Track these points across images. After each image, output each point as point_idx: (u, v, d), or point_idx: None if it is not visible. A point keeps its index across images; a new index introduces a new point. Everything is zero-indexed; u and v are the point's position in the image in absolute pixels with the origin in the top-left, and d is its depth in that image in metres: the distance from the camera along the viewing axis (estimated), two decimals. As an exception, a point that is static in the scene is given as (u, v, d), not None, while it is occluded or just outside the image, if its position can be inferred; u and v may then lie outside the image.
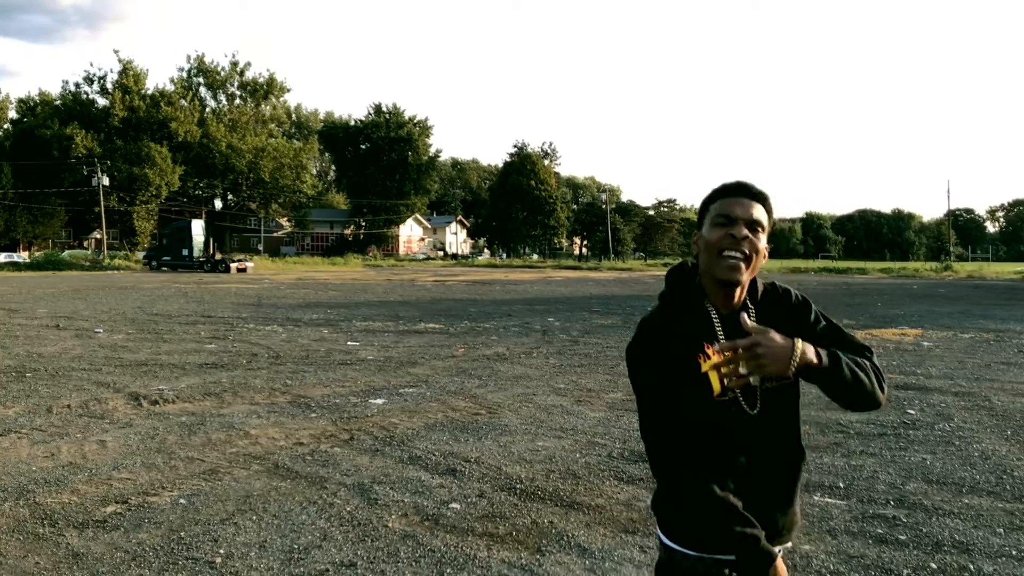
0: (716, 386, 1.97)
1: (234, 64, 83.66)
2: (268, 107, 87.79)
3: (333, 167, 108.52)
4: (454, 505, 5.40)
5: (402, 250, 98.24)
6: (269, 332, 16.07)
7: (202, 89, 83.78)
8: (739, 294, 2.05)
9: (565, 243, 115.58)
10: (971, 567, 4.42)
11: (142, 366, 11.30)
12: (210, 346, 13.70)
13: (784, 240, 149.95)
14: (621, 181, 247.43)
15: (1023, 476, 6.17)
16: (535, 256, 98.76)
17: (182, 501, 5.41)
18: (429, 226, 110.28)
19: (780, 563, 1.96)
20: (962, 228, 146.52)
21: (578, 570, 4.34)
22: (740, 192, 2.03)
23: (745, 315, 1.95)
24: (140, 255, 63.51)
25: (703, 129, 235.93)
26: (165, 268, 56.72)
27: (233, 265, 54.57)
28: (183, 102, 78.81)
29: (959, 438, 7.43)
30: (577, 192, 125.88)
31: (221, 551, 4.54)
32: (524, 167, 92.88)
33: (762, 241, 2.02)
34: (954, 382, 10.54)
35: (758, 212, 2.02)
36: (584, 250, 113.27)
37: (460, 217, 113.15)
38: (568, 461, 6.54)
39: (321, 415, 8.17)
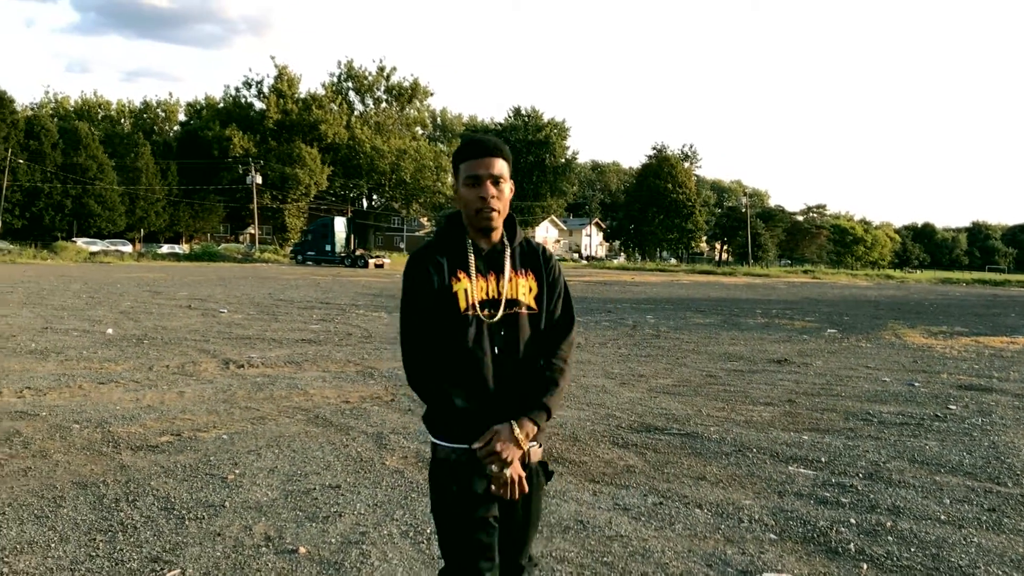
0: (462, 303, 2.43)
1: (380, 69, 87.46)
2: (412, 110, 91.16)
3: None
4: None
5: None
6: (374, 317, 17.26)
7: (350, 93, 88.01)
8: (496, 235, 2.54)
9: (705, 247, 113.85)
10: (887, 524, 4.76)
11: (246, 339, 12.61)
12: (314, 326, 14.97)
13: (946, 251, 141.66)
14: (769, 186, 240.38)
15: (1013, 464, 6.30)
16: (671, 260, 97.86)
17: (224, 437, 6.39)
18: (565, 228, 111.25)
19: (530, 452, 2.43)
20: None
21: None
22: (480, 152, 2.45)
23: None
24: (288, 250, 67.46)
25: (859, 134, 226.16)
26: (309, 262, 60.06)
27: (371, 261, 57.22)
28: (332, 106, 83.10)
29: (980, 431, 7.52)
30: (722, 196, 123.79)
31: (236, 471, 5.45)
32: (662, 169, 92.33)
33: (506, 187, 2.47)
34: None
35: (498, 166, 2.44)
36: (725, 255, 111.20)
37: (596, 220, 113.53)
38: (576, 428, 7.14)
39: (379, 382, 9.08)
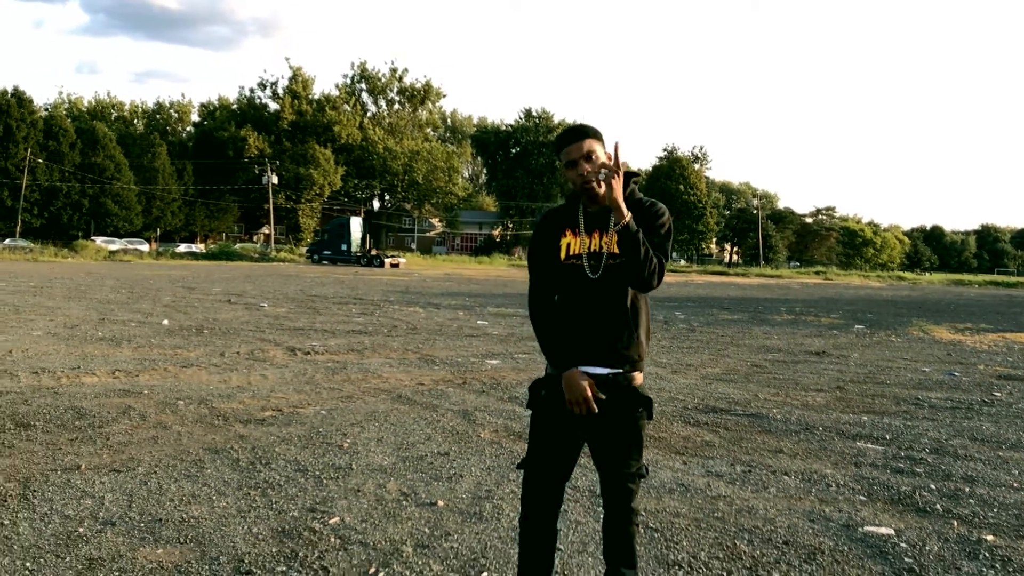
0: (563, 254, 2.89)
1: (393, 70, 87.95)
2: (424, 112, 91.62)
3: (484, 170, 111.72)
4: (538, 428, 6.50)
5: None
6: (411, 312, 17.66)
7: (363, 94, 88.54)
8: (603, 199, 2.83)
9: (715, 249, 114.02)
10: (966, 490, 5.12)
11: (299, 330, 13.01)
12: (358, 319, 15.37)
13: (955, 253, 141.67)
14: (779, 188, 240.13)
15: (1069, 441, 6.65)
16: (682, 261, 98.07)
17: (322, 412, 6.78)
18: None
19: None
20: None
21: (624, 469, 5.34)
22: (571, 138, 2.86)
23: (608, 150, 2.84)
24: (303, 249, 67.95)
25: (868, 136, 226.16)
26: (325, 262, 60.51)
27: (387, 260, 57.63)
28: (346, 107, 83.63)
29: (1029, 414, 7.86)
30: (731, 198, 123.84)
31: (348, 440, 5.84)
32: (673, 171, 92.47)
33: (599, 157, 2.84)
34: (1059, 375, 10.70)
35: (588, 145, 2.84)
36: (735, 257, 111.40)
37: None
38: (646, 407, 7.50)
39: (443, 368, 9.47)
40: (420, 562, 3.65)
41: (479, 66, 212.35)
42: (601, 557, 3.36)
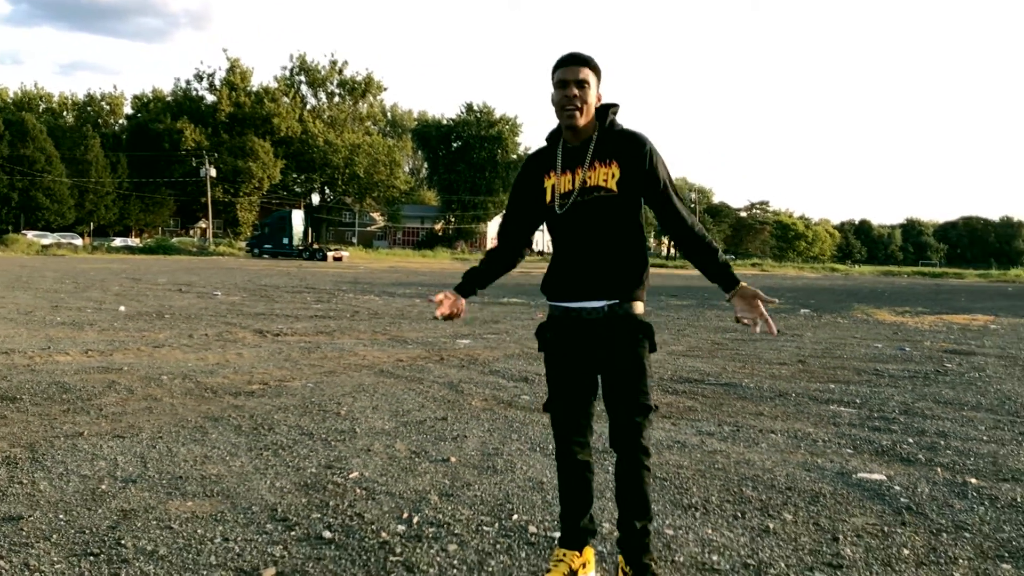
0: (548, 196, 2.90)
1: (333, 63, 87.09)
2: (365, 105, 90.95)
3: (425, 164, 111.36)
4: (524, 397, 6.64)
5: (489, 245, 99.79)
6: (367, 299, 17.62)
7: (303, 87, 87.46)
8: (582, 133, 2.83)
9: (654, 243, 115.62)
10: (941, 443, 5.41)
11: (260, 315, 12.91)
12: (316, 306, 15.30)
13: (882, 246, 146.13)
14: (714, 183, 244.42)
15: (1024, 402, 7.04)
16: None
17: (310, 385, 6.81)
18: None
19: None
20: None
21: (619, 430, 5.51)
22: (569, 61, 2.80)
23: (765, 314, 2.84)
24: (242, 243, 66.85)
25: (802, 130, 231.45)
26: (266, 255, 59.66)
27: (330, 254, 57.11)
28: (285, 99, 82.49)
29: (982, 381, 8.28)
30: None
31: (344, 409, 5.89)
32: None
33: (591, 92, 2.78)
34: (1003, 350, 11.24)
35: (583, 73, 2.77)
36: (672, 250, 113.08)
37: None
38: (624, 379, 7.69)
39: (416, 347, 9.54)
40: (450, 508, 3.75)
41: (420, 60, 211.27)
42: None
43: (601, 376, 2.89)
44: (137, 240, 69.82)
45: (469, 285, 3.08)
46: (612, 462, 3.07)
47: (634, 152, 2.79)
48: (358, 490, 3.97)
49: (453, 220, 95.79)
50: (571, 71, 2.78)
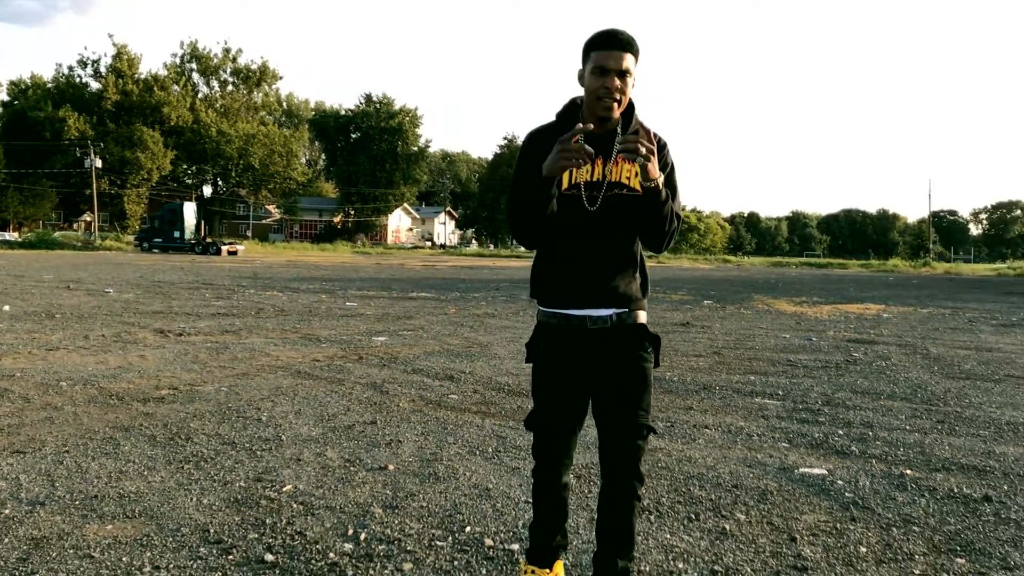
0: (565, 183, 2.56)
1: (226, 51, 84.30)
2: (260, 95, 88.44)
3: (323, 156, 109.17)
4: (453, 396, 6.44)
5: (390, 239, 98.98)
6: (270, 296, 17.02)
7: (195, 75, 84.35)
8: (610, 124, 2.58)
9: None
10: (870, 434, 5.50)
11: (159, 314, 12.27)
12: (217, 303, 14.66)
13: (769, 238, 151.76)
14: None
15: (935, 391, 7.27)
16: (520, 248, 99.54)
17: (224, 389, 6.43)
18: (418, 216, 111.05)
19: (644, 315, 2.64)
20: (945, 230, 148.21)
21: (555, 429, 5.38)
22: (612, 44, 2.47)
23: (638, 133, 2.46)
24: (130, 237, 64.04)
25: (690, 125, 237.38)
26: (156, 250, 57.27)
27: (224, 248, 55.22)
28: (175, 87, 79.40)
29: (891, 370, 8.53)
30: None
31: (264, 414, 5.57)
32: (514, 159, 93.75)
33: (630, 82, 2.51)
34: (900, 338, 11.67)
35: (627, 61, 2.47)
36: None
37: (449, 208, 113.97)
38: (549, 375, 7.58)
39: (331, 345, 9.20)
40: (396, 521, 3.53)
41: (317, 49, 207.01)
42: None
43: (598, 392, 2.64)
44: (16, 234, 65.98)
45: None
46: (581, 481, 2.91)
47: (657, 152, 2.54)
48: (295, 505, 3.71)
49: (352, 213, 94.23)
50: (614, 58, 2.47)
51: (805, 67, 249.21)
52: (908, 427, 5.74)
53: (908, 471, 4.57)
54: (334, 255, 60.61)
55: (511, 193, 2.63)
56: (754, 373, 8.14)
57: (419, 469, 4.34)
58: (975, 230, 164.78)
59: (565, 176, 2.56)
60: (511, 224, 2.61)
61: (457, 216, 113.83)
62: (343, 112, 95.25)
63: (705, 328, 12.68)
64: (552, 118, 2.70)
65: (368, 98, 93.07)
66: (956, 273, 56.98)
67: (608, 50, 2.47)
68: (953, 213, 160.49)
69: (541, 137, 2.61)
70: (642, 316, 2.68)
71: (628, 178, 2.58)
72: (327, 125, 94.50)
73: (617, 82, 2.48)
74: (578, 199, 2.58)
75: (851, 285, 31.72)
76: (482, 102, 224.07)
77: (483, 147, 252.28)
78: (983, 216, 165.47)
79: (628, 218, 2.60)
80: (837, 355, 9.65)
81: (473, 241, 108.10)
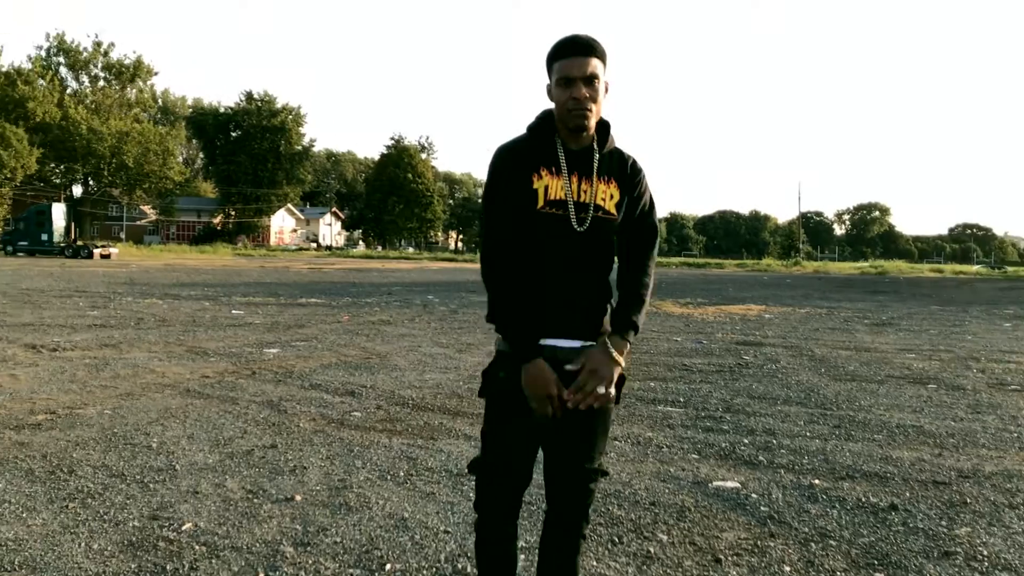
0: (540, 200, 2.37)
1: (97, 44, 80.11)
2: (134, 91, 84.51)
3: (201, 154, 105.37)
4: (356, 413, 6.22)
5: (273, 240, 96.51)
6: (150, 304, 16.22)
7: (62, 69, 79.91)
8: (587, 137, 2.43)
9: (441, 237, 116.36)
10: (774, 442, 5.59)
11: (28, 326, 11.47)
12: (92, 313, 13.85)
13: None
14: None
15: (826, 394, 7.50)
16: (410, 249, 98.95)
17: (107, 412, 6.01)
18: (302, 217, 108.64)
19: (605, 353, 2.36)
20: (812, 230, 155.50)
21: (464, 446, 5.26)
22: (574, 51, 2.33)
23: (571, 367, 2.35)
24: (-9, 240, 60.15)
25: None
26: (21, 253, 54.01)
27: (96, 251, 52.50)
28: (41, 82, 74.97)
29: (782, 373, 8.77)
30: (454, 187, 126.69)
31: (154, 440, 5.21)
32: (401, 160, 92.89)
33: (600, 87, 2.36)
34: (785, 340, 12.07)
35: (592, 66, 2.32)
36: (460, 244, 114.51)
37: (334, 209, 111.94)
38: (453, 387, 7.45)
39: (220, 359, 8.78)
40: (311, 561, 3.32)
41: (193, 44, 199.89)
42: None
43: (553, 429, 2.41)
44: None
45: (533, 335, 2.39)
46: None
47: (632, 177, 2.48)
48: (196, 547, 3.44)
49: (233, 214, 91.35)
50: (577, 65, 2.32)
51: (678, 72, 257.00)
52: (808, 433, 5.88)
53: (816, 481, 4.65)
54: (215, 258, 58.57)
55: (486, 227, 2.44)
56: (653, 379, 8.21)
57: (328, 499, 4.12)
58: (839, 230, 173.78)
59: (540, 193, 2.38)
60: (483, 262, 2.43)
61: (343, 217, 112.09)
62: (223, 110, 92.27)
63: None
64: (523, 131, 2.51)
65: (249, 95, 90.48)
66: (825, 272, 59.83)
67: (570, 58, 2.33)
68: (819, 214, 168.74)
69: (510, 155, 2.44)
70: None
71: (604, 200, 2.42)
72: (205, 123, 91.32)
73: (584, 90, 2.33)
74: (561, 219, 2.38)
75: (730, 285, 32.82)
76: (368, 101, 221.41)
77: (369, 147, 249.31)
78: (846, 217, 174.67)
79: (603, 242, 2.44)
80: (729, 358, 9.87)
81: (360, 242, 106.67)
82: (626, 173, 2.48)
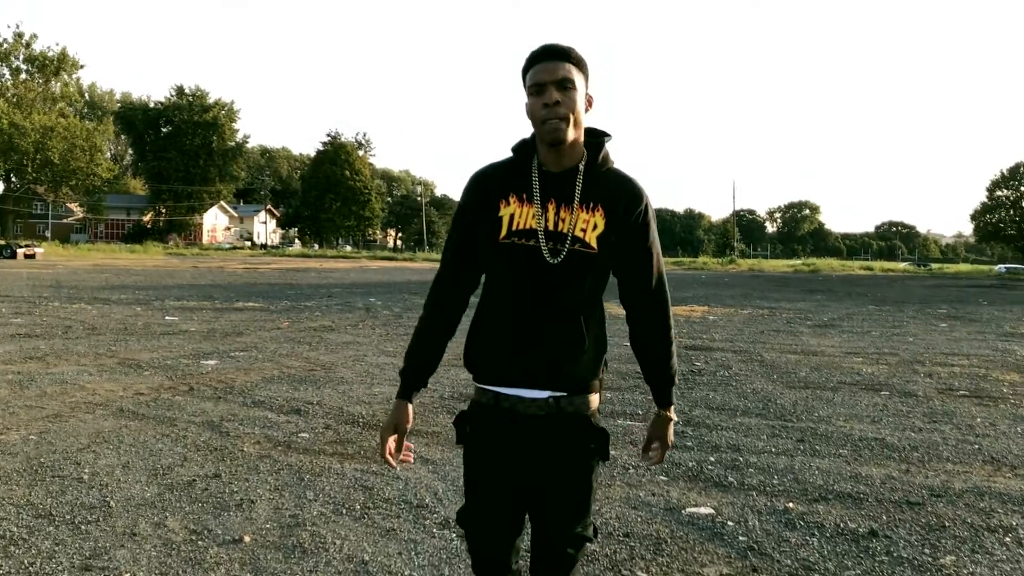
0: (503, 230, 2.13)
1: (19, 36, 77.20)
2: (59, 84, 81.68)
3: (130, 151, 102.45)
4: (303, 435, 5.88)
5: (206, 239, 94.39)
6: (77, 309, 15.51)
7: (-20, 61, 76.84)
8: (567, 157, 2.15)
9: (379, 235, 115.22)
10: (740, 459, 5.44)
11: (-55, 337, 10.79)
12: (16, 320, 13.15)
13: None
14: (436, 176, 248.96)
15: (783, 404, 7.41)
16: (348, 247, 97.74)
17: (32, 438, 5.56)
18: (236, 215, 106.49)
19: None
20: (746, 227, 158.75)
21: (423, 472, 4.97)
22: (545, 56, 2.12)
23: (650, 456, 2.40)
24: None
25: (513, 127, 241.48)
26: (-64, 253, 51.74)
27: (20, 251, 50.61)
28: (-43, 73, 72.02)
29: (736, 380, 8.68)
30: (392, 185, 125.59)
31: (86, 471, 4.81)
32: (338, 156, 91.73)
33: (578, 96, 2.10)
34: (733, 344, 12.03)
35: (565, 71, 2.09)
36: (399, 242, 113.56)
37: (269, 206, 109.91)
38: (403, 402, 7.13)
39: (155, 373, 8.32)
40: (265, 617, 3.02)
41: (121, 37, 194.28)
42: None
43: (532, 490, 2.21)
44: None
45: (418, 380, 2.28)
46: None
47: (627, 204, 2.16)
48: (136, 603, 3.11)
49: (164, 211, 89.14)
50: (548, 69, 2.09)
51: (615, 71, 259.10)
52: (773, 449, 5.75)
53: (791, 504, 4.49)
54: (145, 257, 56.96)
55: (446, 254, 2.26)
56: (609, 389, 8.03)
57: (280, 539, 3.80)
58: (771, 228, 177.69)
59: (504, 222, 2.14)
60: (427, 303, 2.28)
61: (278, 215, 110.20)
62: (152, 105, 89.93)
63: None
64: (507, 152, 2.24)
65: (180, 90, 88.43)
66: (760, 270, 60.93)
67: (540, 63, 2.11)
68: (752, 212, 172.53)
69: (478, 181, 2.22)
70: (592, 401, 2.20)
71: (584, 230, 2.12)
72: (135, 118, 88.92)
73: (556, 95, 2.06)
74: (529, 250, 2.11)
75: (670, 284, 33.01)
76: (303, 97, 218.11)
77: (305, 143, 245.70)
78: (777, 215, 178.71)
79: (578, 279, 2.13)
80: (681, 365, 9.75)
81: (296, 241, 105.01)
82: (619, 200, 2.16)
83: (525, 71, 2.15)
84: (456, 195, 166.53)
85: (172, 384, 7.69)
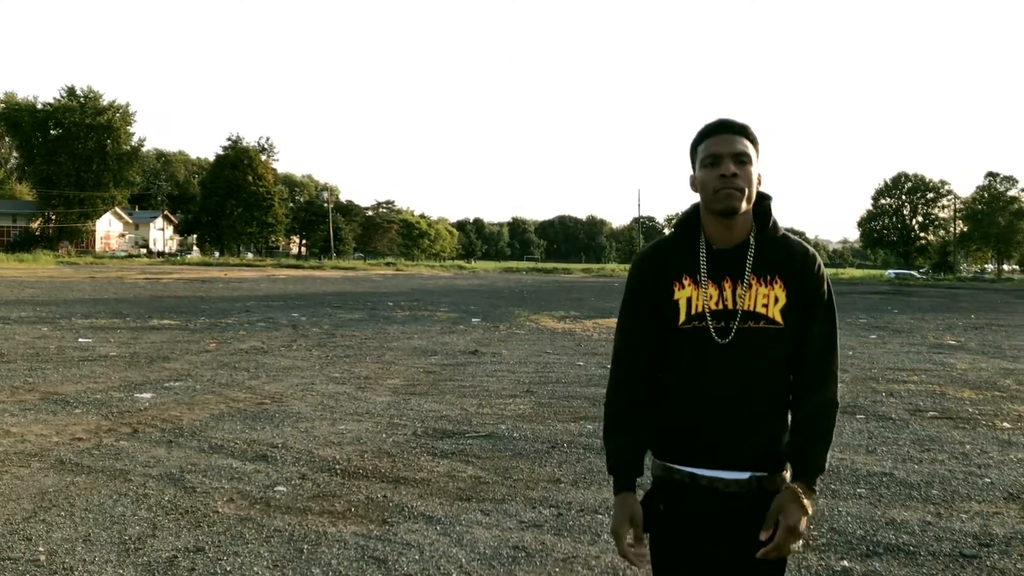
0: (682, 315, 2.09)
1: None
2: (-66, 81, 76.70)
3: (15, 154, 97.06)
4: (279, 488, 5.26)
5: (99, 246, 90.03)
6: (-26, 331, 14.20)
7: None
8: (737, 232, 2.12)
9: (283, 242, 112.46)
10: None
11: None
12: (-93, 346, 11.88)
13: (494, 242, 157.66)
14: (339, 180, 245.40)
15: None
16: (250, 255, 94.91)
17: (-36, 504, 4.78)
18: (131, 221, 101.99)
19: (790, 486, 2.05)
20: (646, 234, 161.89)
21: (432, 535, 4.45)
22: (722, 129, 2.12)
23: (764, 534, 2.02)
24: None
25: (420, 132, 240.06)
26: None
27: None
28: None
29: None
30: (294, 190, 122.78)
31: (40, 548, 4.10)
32: (240, 161, 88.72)
33: (752, 171, 2.10)
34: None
35: (742, 144, 2.09)
36: (303, 249, 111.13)
37: (166, 212, 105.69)
38: (376, 441, 6.57)
39: (86, 411, 7.49)
40: None
41: (5, 34, 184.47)
42: None
43: (722, 571, 2.08)
44: None
45: (637, 470, 2.13)
46: None
47: (805, 271, 2.12)
48: None
49: (55, 218, 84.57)
50: (725, 142, 2.07)
51: (521, 79, 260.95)
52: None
53: (846, 562, 4.16)
54: (36, 267, 53.76)
55: (615, 338, 2.20)
56: (582, 419, 7.65)
57: (304, 637, 3.23)
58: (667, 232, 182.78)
59: (683, 306, 2.10)
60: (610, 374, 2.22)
61: (176, 221, 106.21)
62: (40, 105, 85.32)
63: (496, 356, 12.16)
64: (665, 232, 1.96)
65: (71, 91, 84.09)
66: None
67: (718, 135, 2.11)
68: (652, 219, 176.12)
69: (648, 264, 2.19)
70: (788, 476, 2.11)
71: (765, 305, 2.07)
72: (20, 119, 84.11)
73: (733, 167, 2.05)
74: (702, 332, 2.07)
75: (589, 294, 33.08)
76: (200, 98, 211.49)
77: (203, 147, 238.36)
78: (674, 221, 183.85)
79: (764, 355, 2.08)
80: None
81: (195, 248, 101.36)
82: (794, 268, 2.11)
83: (697, 142, 2.16)
84: (362, 200, 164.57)
85: (111, 425, 6.90)
